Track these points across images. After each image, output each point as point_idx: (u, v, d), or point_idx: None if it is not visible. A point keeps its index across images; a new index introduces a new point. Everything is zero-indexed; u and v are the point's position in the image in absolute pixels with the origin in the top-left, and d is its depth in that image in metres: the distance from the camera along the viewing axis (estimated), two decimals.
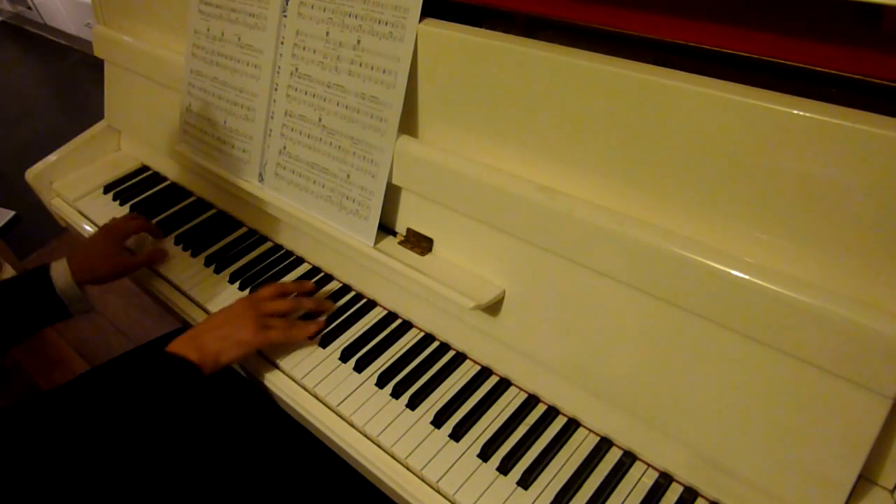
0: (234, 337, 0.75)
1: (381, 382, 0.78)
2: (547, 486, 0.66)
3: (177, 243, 1.02)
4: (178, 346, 0.73)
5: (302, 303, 0.85)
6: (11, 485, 0.60)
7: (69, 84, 3.16)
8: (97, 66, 1.27)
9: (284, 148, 0.89)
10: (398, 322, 0.85)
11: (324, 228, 0.85)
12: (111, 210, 1.12)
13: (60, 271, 0.86)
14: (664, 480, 0.66)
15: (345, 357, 0.81)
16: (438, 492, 0.68)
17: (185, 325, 0.94)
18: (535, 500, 0.65)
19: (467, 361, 0.80)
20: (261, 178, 0.93)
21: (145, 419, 0.67)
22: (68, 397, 0.68)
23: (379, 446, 0.72)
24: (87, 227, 1.11)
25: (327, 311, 0.87)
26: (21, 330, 0.86)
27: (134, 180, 1.18)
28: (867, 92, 0.51)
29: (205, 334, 0.75)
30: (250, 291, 0.92)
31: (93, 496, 0.63)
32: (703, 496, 0.64)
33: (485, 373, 0.78)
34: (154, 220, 1.07)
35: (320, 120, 0.83)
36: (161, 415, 0.68)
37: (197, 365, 0.71)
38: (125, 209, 1.11)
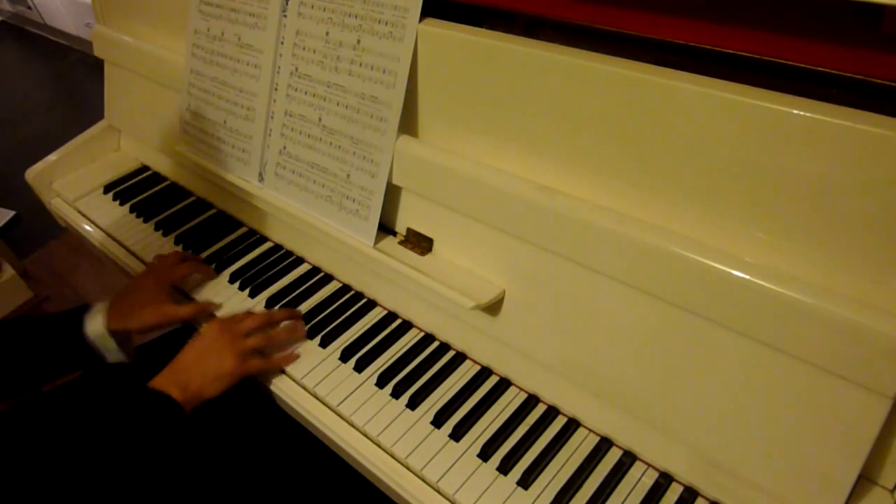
0: (215, 371, 0.74)
1: (381, 382, 0.78)
2: (547, 485, 0.66)
3: (177, 243, 1.02)
4: (161, 383, 0.72)
5: (273, 315, 0.83)
6: (10, 484, 0.60)
7: (69, 84, 3.16)
8: (97, 66, 1.27)
9: (284, 148, 0.89)
10: (398, 322, 0.85)
11: (324, 228, 0.85)
12: (111, 210, 1.12)
13: (95, 318, 0.78)
14: (664, 480, 0.66)
15: (345, 357, 0.81)
16: (438, 492, 0.68)
17: (185, 325, 0.94)
18: (535, 500, 0.65)
19: (467, 361, 0.80)
20: (261, 178, 0.93)
21: (128, 458, 0.66)
22: (53, 422, 0.67)
23: (379, 446, 0.72)
24: (87, 227, 1.11)
25: (298, 317, 0.85)
26: (42, 374, 0.79)
27: (134, 180, 1.18)
28: (867, 92, 0.51)
29: (187, 371, 0.74)
30: (251, 291, 0.92)
31: (92, 497, 0.63)
32: (703, 496, 0.64)
33: (485, 373, 0.78)
34: (154, 220, 1.07)
35: (320, 120, 0.83)
36: (144, 452, 0.68)
37: (180, 403, 0.70)
38: (125, 209, 1.11)
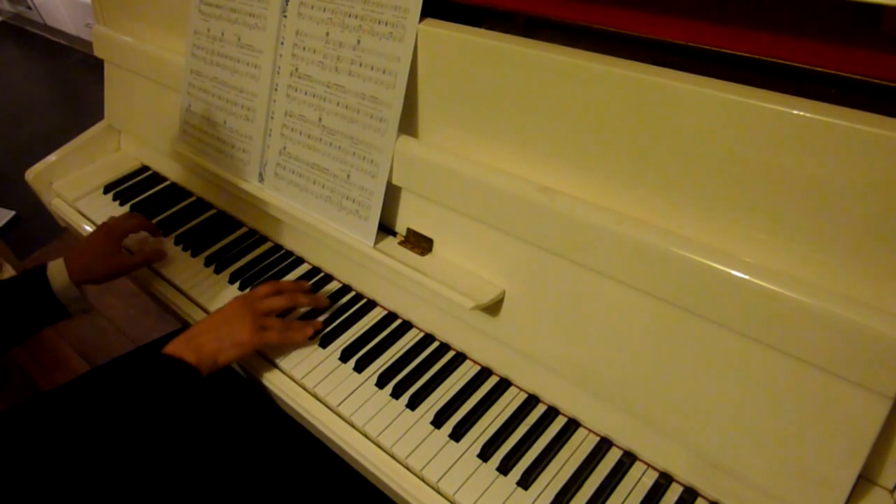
0: (231, 338, 0.75)
1: (381, 382, 0.78)
2: (547, 486, 0.66)
3: (177, 243, 1.02)
4: (175, 348, 0.72)
5: (298, 299, 0.84)
6: (10, 485, 0.60)
7: (69, 84, 3.16)
8: (97, 66, 1.27)
9: (284, 148, 0.89)
10: (398, 322, 0.85)
11: (324, 228, 0.85)
12: (111, 210, 1.12)
13: (57, 271, 0.85)
14: (664, 480, 0.66)
15: (345, 357, 0.81)
16: (438, 492, 0.68)
17: (185, 326, 0.94)
18: (535, 500, 0.65)
19: (467, 361, 0.80)
20: (261, 178, 0.93)
21: (143, 421, 0.67)
22: (66, 400, 0.68)
23: (379, 446, 0.72)
24: (87, 227, 1.11)
25: (324, 308, 0.87)
26: (19, 331, 0.85)
27: (134, 180, 1.18)
28: (867, 92, 0.51)
29: (202, 335, 0.75)
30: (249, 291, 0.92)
31: (92, 497, 0.63)
32: (703, 496, 0.64)
33: (485, 373, 0.78)
34: (154, 221, 1.07)
35: (320, 120, 0.83)
36: (159, 417, 0.68)
37: (194, 366, 0.71)
38: (125, 209, 1.11)
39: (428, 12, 0.71)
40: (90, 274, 0.88)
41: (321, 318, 0.85)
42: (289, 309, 0.85)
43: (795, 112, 0.50)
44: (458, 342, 0.81)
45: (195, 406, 0.71)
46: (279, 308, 0.82)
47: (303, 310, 0.88)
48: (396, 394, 0.76)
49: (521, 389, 0.76)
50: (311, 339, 0.83)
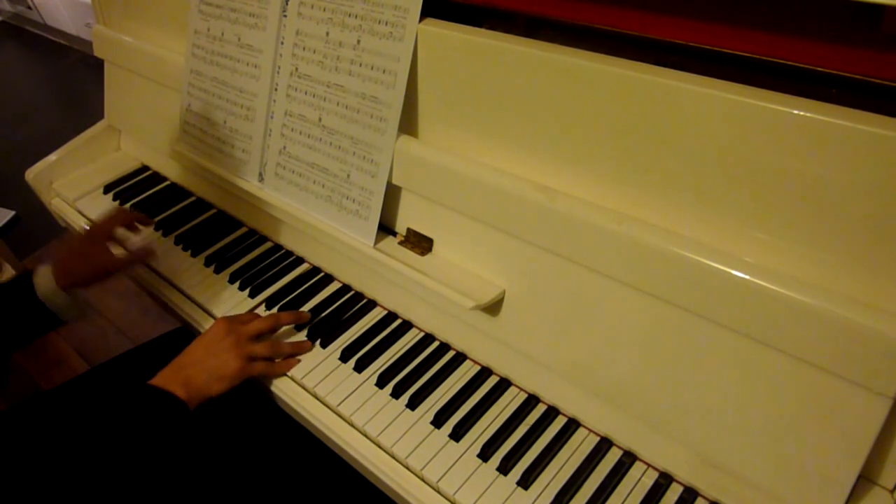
0: (219, 371, 0.74)
1: (381, 382, 0.77)
2: (547, 486, 0.66)
3: (177, 243, 1.02)
4: (164, 381, 0.72)
5: (280, 318, 0.83)
6: (10, 484, 0.60)
7: (69, 84, 3.16)
8: (97, 66, 1.27)
9: (284, 148, 0.89)
10: (398, 322, 0.85)
11: (324, 228, 0.85)
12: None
13: (44, 277, 0.82)
14: (664, 480, 0.66)
15: (345, 357, 0.81)
16: (438, 492, 0.68)
17: (185, 326, 0.94)
18: (535, 500, 0.65)
19: (467, 361, 0.80)
20: (261, 178, 0.93)
21: (132, 456, 0.66)
22: (54, 421, 0.67)
23: (379, 446, 0.72)
24: (87, 227, 1.11)
25: (306, 322, 0.86)
26: (10, 340, 0.81)
27: (134, 180, 1.18)
28: (867, 92, 0.51)
29: (190, 367, 0.74)
30: (250, 291, 0.92)
31: (92, 495, 0.63)
32: (703, 496, 0.64)
33: (485, 373, 0.78)
34: (154, 220, 1.07)
35: (320, 120, 0.83)
36: (146, 451, 0.67)
37: (183, 401, 0.70)
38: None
39: (428, 12, 0.71)
40: (75, 277, 0.84)
41: (306, 342, 0.84)
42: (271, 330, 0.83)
43: (795, 112, 0.50)
44: (458, 342, 0.81)
45: (184, 438, 0.70)
46: (263, 331, 0.81)
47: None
48: (396, 394, 0.76)
49: (521, 389, 0.76)
50: (312, 339, 0.83)
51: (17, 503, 0.61)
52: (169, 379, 0.72)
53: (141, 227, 0.99)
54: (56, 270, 0.83)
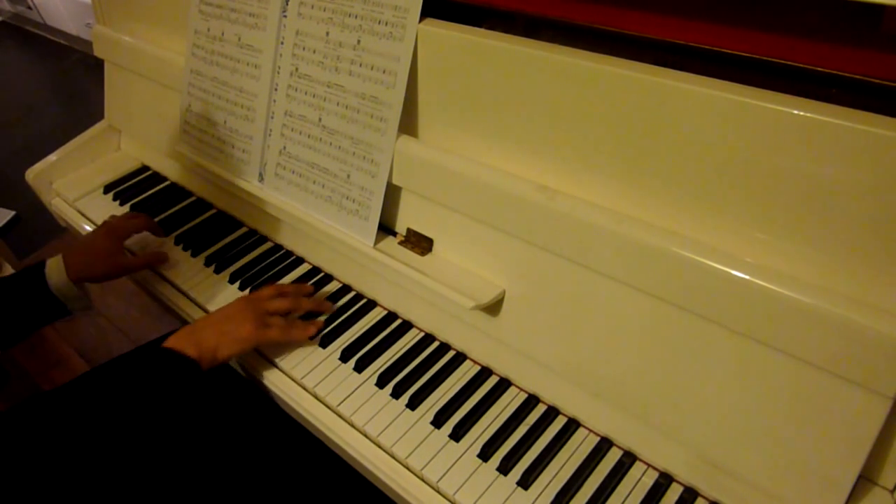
0: (233, 333, 0.75)
1: (382, 382, 0.78)
2: (547, 486, 0.66)
3: (177, 243, 1.02)
4: (176, 341, 0.72)
5: (301, 303, 0.84)
6: (11, 484, 0.60)
7: (69, 84, 3.16)
8: (97, 66, 1.27)
9: (284, 148, 0.89)
10: (398, 322, 0.85)
11: (324, 228, 0.85)
12: (111, 210, 1.12)
13: (55, 268, 0.84)
14: (664, 480, 0.66)
15: (345, 357, 0.81)
16: (438, 492, 0.68)
17: (184, 325, 0.94)
18: (535, 500, 0.65)
19: (467, 361, 0.80)
20: (261, 178, 0.93)
21: (143, 414, 0.67)
22: (67, 395, 0.68)
23: (379, 446, 0.72)
24: (88, 227, 1.11)
25: (326, 311, 0.87)
26: (18, 329, 0.84)
27: (134, 180, 1.18)
28: (867, 92, 0.51)
29: (203, 329, 0.75)
30: (250, 291, 0.92)
31: (92, 495, 0.63)
32: (703, 496, 0.64)
33: (485, 373, 0.78)
34: (154, 220, 1.07)
35: (320, 120, 0.83)
36: (159, 410, 0.68)
37: (195, 360, 0.71)
38: (125, 209, 1.11)
39: (428, 12, 0.71)
40: (89, 272, 0.87)
41: (322, 319, 0.85)
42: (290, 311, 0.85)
43: (795, 112, 0.50)
44: (458, 342, 0.81)
45: (195, 402, 0.71)
46: (282, 310, 0.82)
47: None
48: (396, 394, 0.76)
49: (521, 389, 0.76)
50: (312, 338, 0.83)
51: (23, 492, 0.61)
52: (181, 339, 0.73)
53: (154, 237, 1.02)
54: (69, 262, 0.85)
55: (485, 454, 0.69)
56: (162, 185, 1.16)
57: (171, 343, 0.72)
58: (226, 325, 0.76)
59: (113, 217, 1.00)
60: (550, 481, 0.67)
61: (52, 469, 0.62)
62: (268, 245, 1.00)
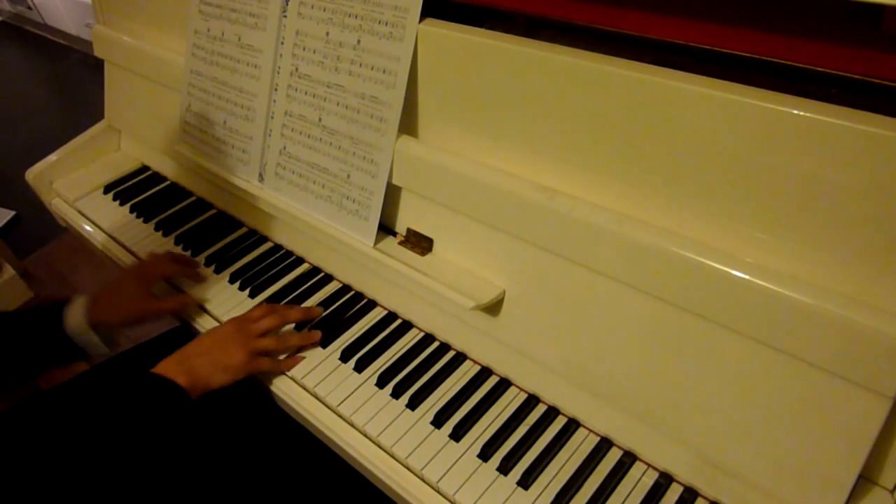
0: (223, 363, 0.74)
1: (382, 382, 0.77)
2: (547, 486, 0.66)
3: (177, 243, 1.02)
4: (167, 369, 0.71)
5: (289, 315, 0.84)
6: (11, 484, 0.60)
7: (69, 84, 3.16)
8: (97, 66, 1.27)
9: (284, 148, 0.89)
10: (398, 322, 0.85)
11: (324, 228, 0.85)
12: (111, 210, 1.12)
13: (75, 310, 0.78)
14: (664, 480, 0.66)
15: (345, 357, 0.81)
16: (438, 492, 0.68)
17: (184, 325, 0.94)
18: (535, 500, 0.65)
19: (467, 361, 0.80)
20: (261, 178, 0.93)
21: (132, 444, 0.66)
22: (53, 418, 0.67)
23: (379, 446, 0.72)
24: (88, 227, 1.11)
25: (317, 317, 0.86)
26: (25, 368, 0.79)
27: (134, 180, 1.18)
28: (867, 92, 0.51)
29: (194, 358, 0.74)
30: (250, 291, 0.92)
31: (91, 495, 0.63)
32: (703, 496, 0.64)
33: (485, 373, 0.78)
34: (154, 220, 1.07)
35: (320, 120, 0.83)
36: (147, 439, 0.67)
37: (185, 389, 0.70)
38: (125, 209, 1.11)
39: (428, 12, 0.71)
40: (109, 316, 0.81)
41: (321, 312, 0.85)
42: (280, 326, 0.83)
43: (795, 112, 0.50)
44: (458, 342, 0.81)
45: (185, 427, 0.70)
46: (272, 328, 0.81)
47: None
48: (396, 394, 0.76)
49: (522, 389, 0.76)
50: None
51: (20, 493, 0.60)
52: (171, 367, 0.72)
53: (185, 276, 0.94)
54: (91, 304, 0.80)
55: (485, 454, 0.69)
56: (162, 185, 1.16)
57: (161, 370, 0.71)
58: (216, 353, 0.75)
59: (151, 255, 0.95)
60: (550, 481, 0.67)
61: (51, 469, 0.62)
62: (268, 245, 1.00)
